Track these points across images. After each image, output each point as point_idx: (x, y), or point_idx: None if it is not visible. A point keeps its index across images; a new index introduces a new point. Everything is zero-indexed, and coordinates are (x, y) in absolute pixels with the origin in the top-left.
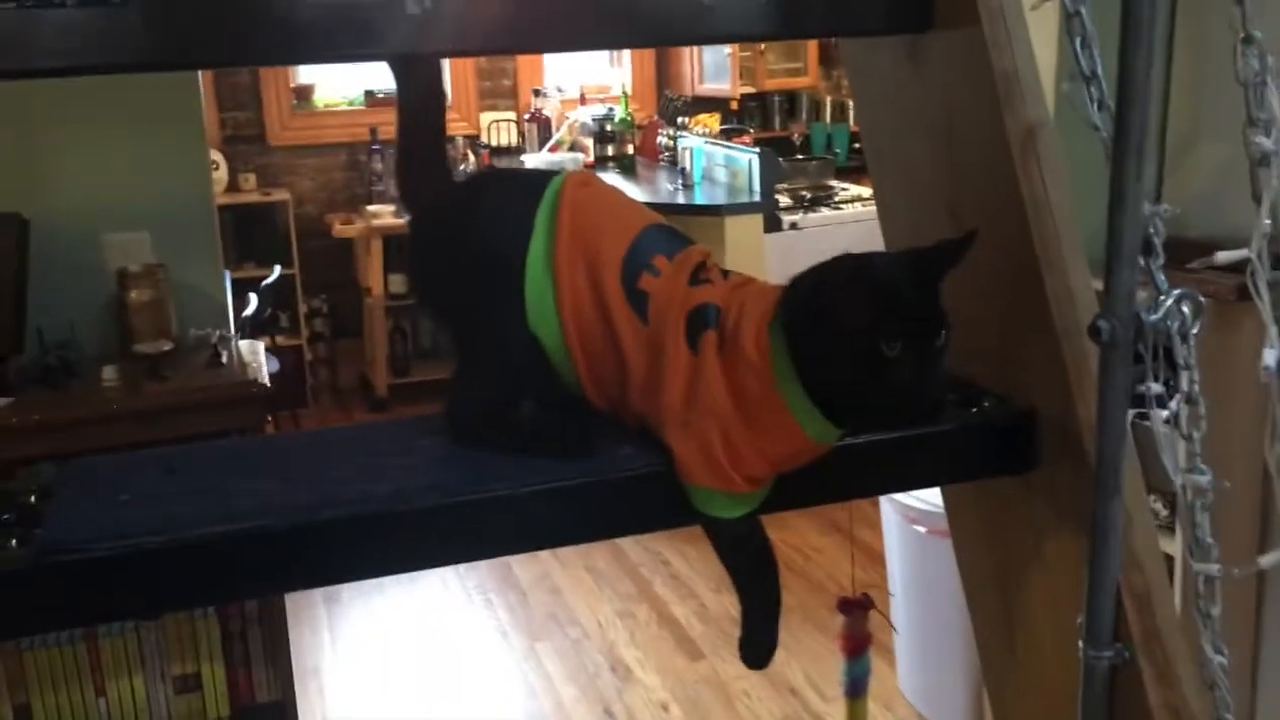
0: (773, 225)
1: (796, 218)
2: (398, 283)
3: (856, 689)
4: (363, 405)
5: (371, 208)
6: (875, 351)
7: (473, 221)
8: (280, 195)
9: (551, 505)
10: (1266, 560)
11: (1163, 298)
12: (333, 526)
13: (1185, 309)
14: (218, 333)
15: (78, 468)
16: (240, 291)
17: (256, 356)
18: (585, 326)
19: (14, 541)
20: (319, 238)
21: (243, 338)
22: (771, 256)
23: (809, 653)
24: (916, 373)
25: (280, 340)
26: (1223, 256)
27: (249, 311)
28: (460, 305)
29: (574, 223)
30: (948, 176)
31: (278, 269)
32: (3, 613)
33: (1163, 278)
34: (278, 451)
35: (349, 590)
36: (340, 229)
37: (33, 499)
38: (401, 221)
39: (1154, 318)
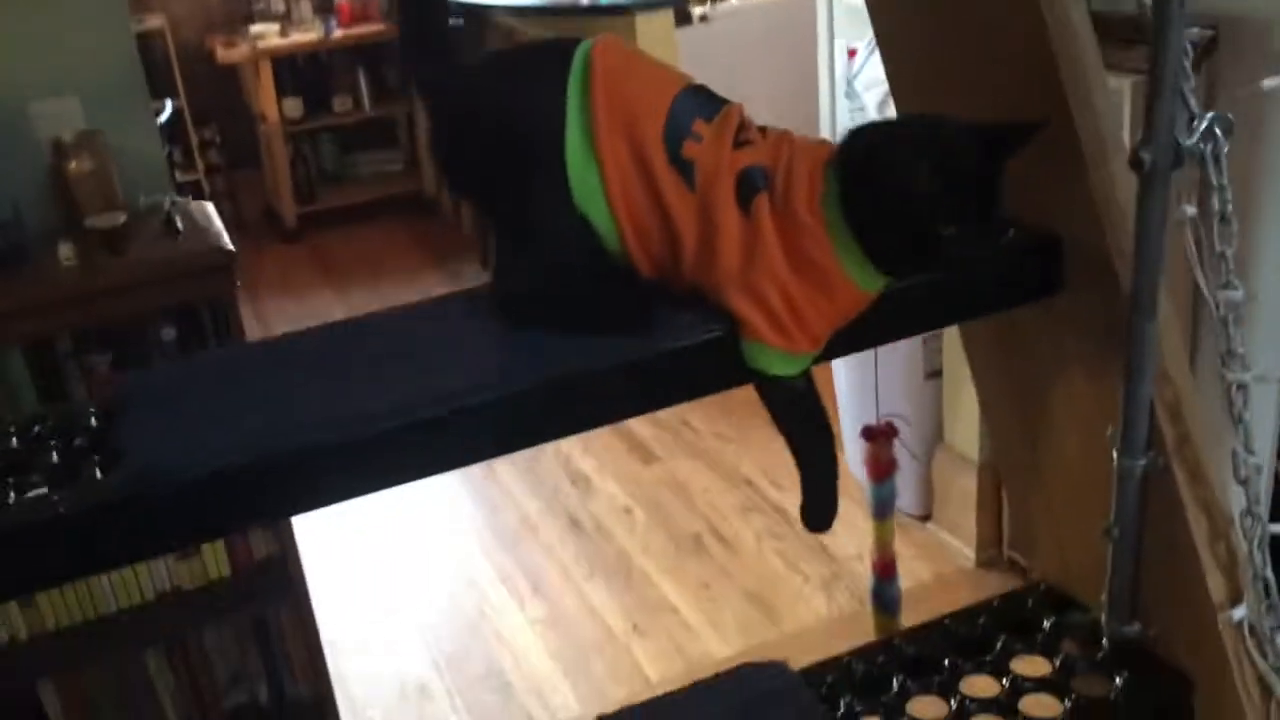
0: (683, 19)
1: (705, 9)
2: (293, 107)
3: (883, 511)
4: (273, 236)
5: (255, 28)
6: (931, 229)
7: (501, 106)
8: (154, 22)
9: (626, 380)
10: None
11: (1197, 122)
12: (412, 429)
13: (1219, 131)
14: (169, 198)
15: (129, 381)
16: None
17: (210, 220)
18: (633, 202)
19: (98, 470)
20: (201, 63)
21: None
22: (685, 54)
23: (757, 445)
24: (970, 250)
25: (177, 176)
26: (1269, 84)
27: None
28: (500, 193)
29: (608, 96)
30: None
31: (169, 104)
32: (93, 544)
33: (1194, 100)
34: (321, 347)
35: None
36: (224, 54)
37: (96, 421)
38: (289, 42)
39: (1189, 142)
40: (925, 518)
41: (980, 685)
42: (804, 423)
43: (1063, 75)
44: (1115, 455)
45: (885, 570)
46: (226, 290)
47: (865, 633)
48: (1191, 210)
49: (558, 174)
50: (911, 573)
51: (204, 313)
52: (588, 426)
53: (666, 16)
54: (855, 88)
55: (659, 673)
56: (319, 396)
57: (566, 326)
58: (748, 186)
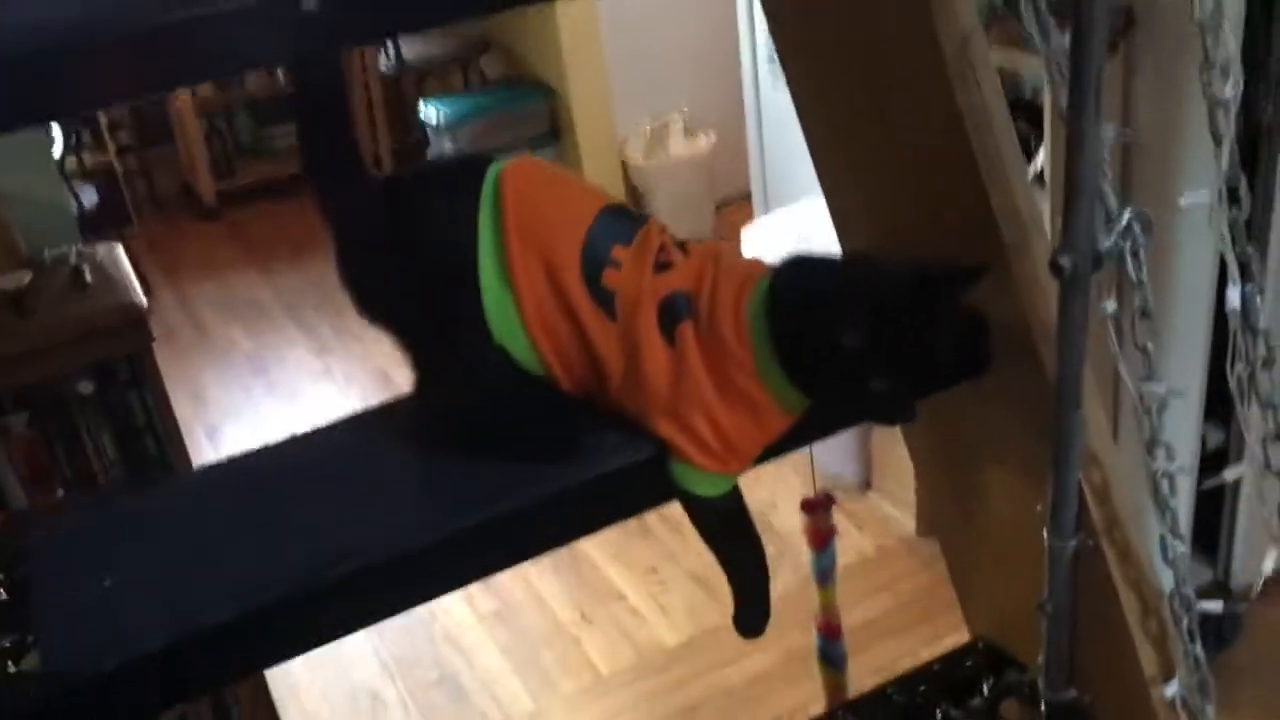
0: None
1: None
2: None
3: (825, 578)
4: (191, 215)
5: None
6: (863, 381)
7: (409, 229)
8: None
9: (553, 511)
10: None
11: (1115, 221)
12: (341, 585)
13: (1137, 228)
14: (75, 249)
15: (40, 535)
16: None
17: (120, 268)
18: (553, 330)
19: (10, 663)
20: None
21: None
22: (604, 17)
23: None
24: (901, 396)
25: (88, 160)
26: (1186, 200)
27: (57, 151)
28: (414, 322)
29: (521, 220)
30: (876, 81)
31: (57, 132)
32: None
33: (1113, 199)
34: (238, 486)
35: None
36: None
37: (5, 592)
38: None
39: (1108, 244)
40: (865, 486)
41: None
42: (733, 540)
43: (981, 169)
44: (1045, 535)
45: (831, 631)
46: (140, 344)
47: (811, 676)
48: (1113, 306)
49: (473, 303)
50: (853, 546)
51: (120, 366)
52: (517, 562)
53: None
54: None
55: (608, 664)
56: (236, 551)
57: (490, 454)
58: (670, 315)
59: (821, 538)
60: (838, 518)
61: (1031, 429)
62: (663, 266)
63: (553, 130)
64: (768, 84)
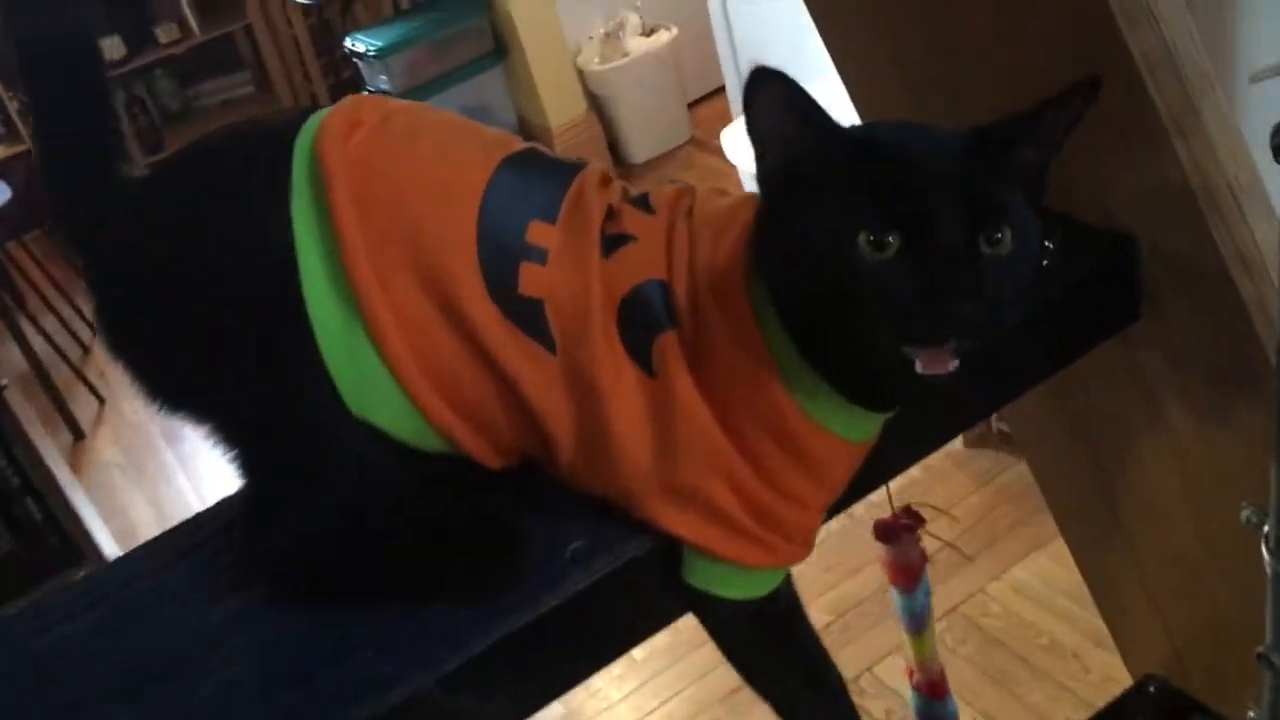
0: None
1: None
2: (112, 47)
3: (919, 623)
4: None
5: None
6: (852, 249)
7: (187, 247)
8: None
9: (486, 685)
10: None
11: None
12: None
13: None
14: None
15: None
16: None
17: None
18: (450, 380)
19: None
20: None
21: None
22: None
23: None
24: (925, 282)
25: (1, 152)
26: None
27: None
28: (221, 402)
29: (364, 202)
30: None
31: None
32: None
33: None
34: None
35: None
36: None
37: None
38: None
39: None
40: None
41: None
42: (787, 662)
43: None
44: (1266, 556)
45: (934, 690)
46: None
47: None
48: None
49: (301, 352)
50: None
51: None
52: None
53: None
54: None
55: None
56: None
57: (366, 595)
58: (641, 325)
59: (910, 574)
60: None
61: (1224, 399)
62: (616, 242)
63: (497, 47)
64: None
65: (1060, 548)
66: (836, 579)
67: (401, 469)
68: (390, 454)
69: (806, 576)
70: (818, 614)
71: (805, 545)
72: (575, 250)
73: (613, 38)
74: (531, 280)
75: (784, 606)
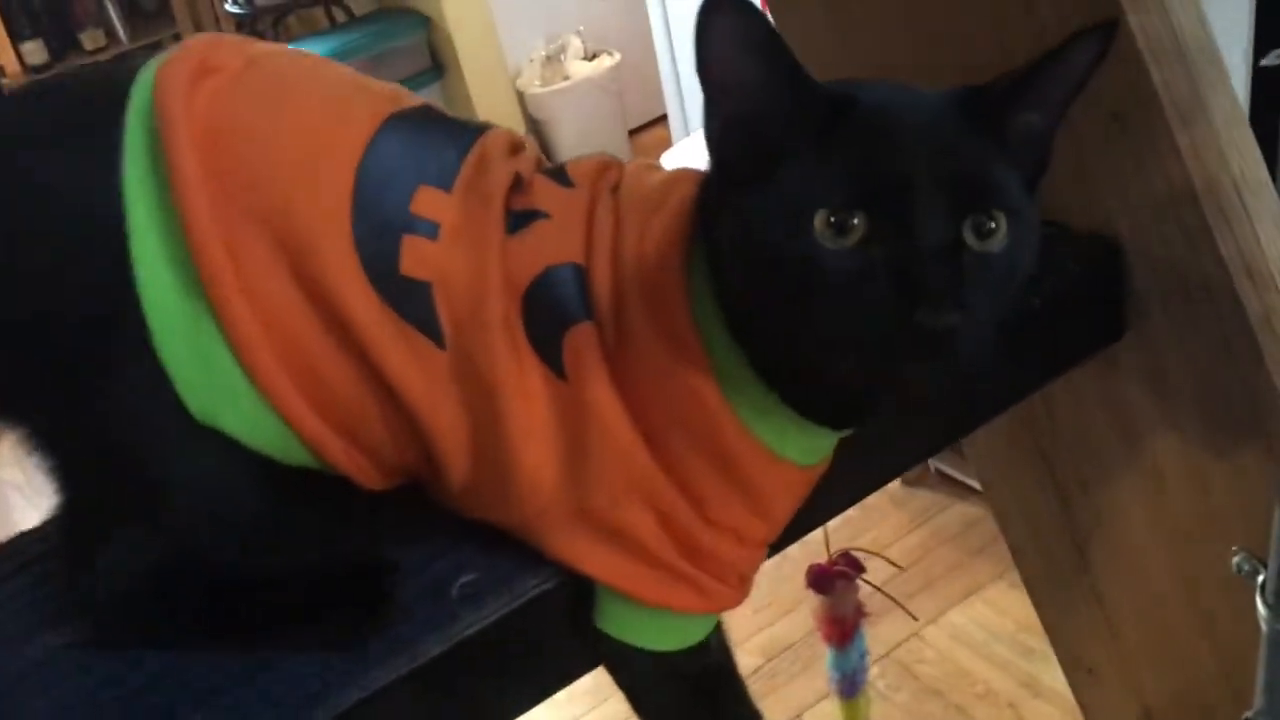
0: None
1: None
2: (34, 52)
3: (851, 687)
4: None
5: None
6: (807, 231)
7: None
8: None
9: None
10: None
11: None
12: None
13: None
14: None
15: None
16: None
17: None
18: (317, 380)
19: None
20: None
21: None
22: None
23: None
24: (893, 280)
25: None
26: None
27: None
28: (39, 417)
29: (213, 164)
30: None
31: None
32: None
33: None
34: None
35: None
36: None
37: None
38: None
39: None
40: None
41: None
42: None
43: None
44: (1262, 610)
45: None
46: None
47: None
48: None
49: (135, 350)
50: None
51: None
52: None
53: None
54: None
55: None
56: None
57: (211, 641)
58: (551, 315)
59: (843, 629)
60: None
61: (1214, 431)
62: (524, 219)
63: (435, 65)
64: (681, 39)
65: (998, 593)
66: (768, 619)
67: (255, 487)
68: (242, 468)
69: (734, 616)
70: (745, 657)
71: (741, 588)
72: (473, 224)
73: (554, 60)
74: (418, 258)
75: (714, 660)
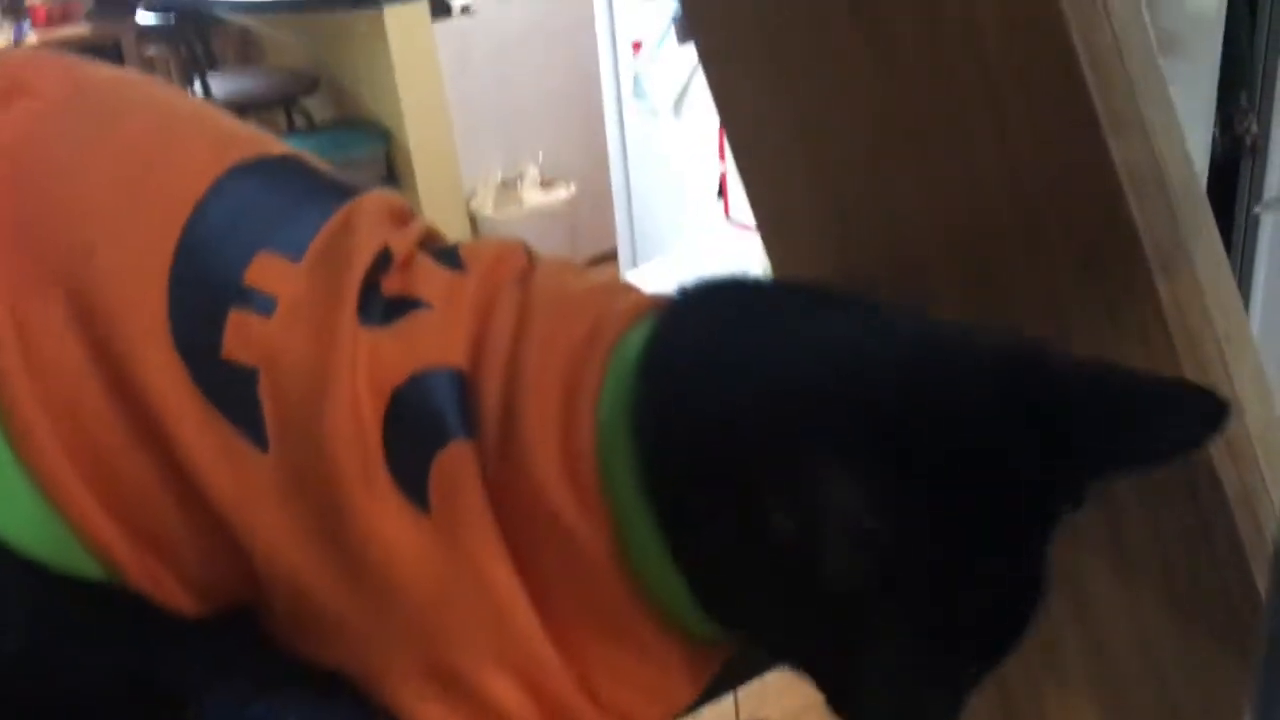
0: (440, 11)
1: None
2: None
3: None
4: None
5: None
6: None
7: None
8: None
9: None
10: None
11: None
12: None
13: None
14: None
15: None
16: None
17: None
18: (106, 468)
19: None
20: None
21: None
22: (446, 54)
23: None
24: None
25: None
26: None
27: None
28: None
29: (8, 211)
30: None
31: None
32: None
33: None
34: None
35: None
36: None
37: None
38: None
39: None
40: None
41: None
42: None
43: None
44: None
45: None
46: None
47: None
48: None
49: None
50: None
51: None
52: None
53: (421, 8)
54: (643, 86)
55: None
56: None
57: None
58: (419, 433)
59: None
60: None
61: (1180, 647)
62: (397, 307)
63: (390, 178)
64: (634, 125)
65: None
66: None
67: (26, 604)
68: (12, 580)
69: None
70: None
71: None
72: (321, 304)
73: (509, 186)
74: (244, 338)
75: None
